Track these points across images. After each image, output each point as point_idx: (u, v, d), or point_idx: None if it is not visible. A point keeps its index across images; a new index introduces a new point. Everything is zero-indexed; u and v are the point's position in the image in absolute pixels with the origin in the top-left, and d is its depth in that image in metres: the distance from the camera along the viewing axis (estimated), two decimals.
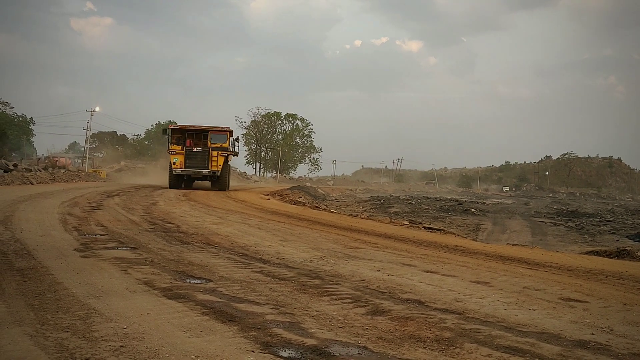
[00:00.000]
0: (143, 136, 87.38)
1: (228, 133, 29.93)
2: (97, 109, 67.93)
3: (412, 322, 5.16)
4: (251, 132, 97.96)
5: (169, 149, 29.42)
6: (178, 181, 29.25)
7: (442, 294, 6.47)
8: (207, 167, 28.91)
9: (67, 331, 4.46)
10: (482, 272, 8.14)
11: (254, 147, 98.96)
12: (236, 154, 31.29)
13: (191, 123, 32.24)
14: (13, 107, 71.40)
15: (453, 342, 4.59)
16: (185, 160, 28.61)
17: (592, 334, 4.98)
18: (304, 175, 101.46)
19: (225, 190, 29.37)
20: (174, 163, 28.72)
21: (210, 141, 29.31)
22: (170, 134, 29.64)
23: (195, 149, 28.79)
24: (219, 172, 29.15)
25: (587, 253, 12.92)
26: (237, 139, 31.98)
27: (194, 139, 29.60)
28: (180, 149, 28.84)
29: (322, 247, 10.05)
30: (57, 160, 54.01)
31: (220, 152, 29.12)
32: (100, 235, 10.48)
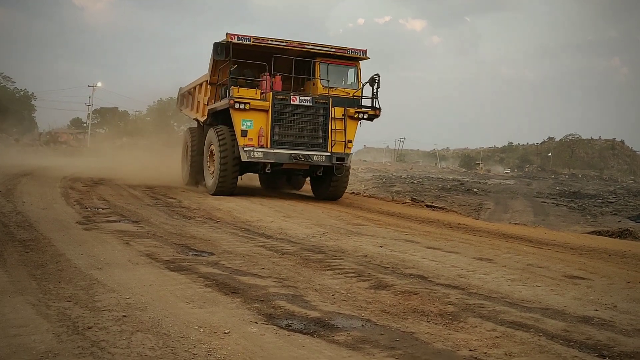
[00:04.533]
0: (145, 112, 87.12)
1: (358, 64, 14.57)
2: (99, 84, 67.83)
3: (415, 297, 5.14)
4: None
5: (229, 95, 13.16)
6: (235, 177, 13.94)
7: (445, 269, 6.45)
8: (324, 146, 13.65)
9: (70, 301, 4.44)
10: (485, 249, 8.11)
11: None
12: (377, 114, 14.18)
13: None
14: (15, 82, 71.22)
15: (457, 316, 4.57)
16: (272, 128, 13.25)
17: (596, 310, 4.96)
18: None
19: (340, 196, 15.13)
20: (244, 134, 13.15)
21: (326, 80, 14.08)
22: (230, 57, 13.23)
23: (299, 100, 13.43)
24: (349, 157, 14.01)
25: (589, 233, 12.91)
26: (374, 80, 13.97)
27: (287, 74, 14.15)
28: (258, 96, 13.35)
29: (325, 223, 10.02)
30: (58, 136, 54.04)
31: (351, 111, 13.87)
32: (103, 208, 10.46)
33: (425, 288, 5.50)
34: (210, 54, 14.24)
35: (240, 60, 13.46)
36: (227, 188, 13.69)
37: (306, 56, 14.10)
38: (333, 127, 13.62)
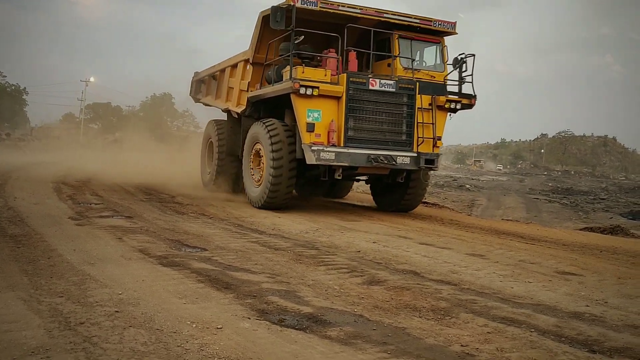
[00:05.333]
0: (138, 108, 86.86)
1: (442, 41, 11.70)
2: (91, 79, 67.59)
3: (408, 292, 5.16)
4: None
5: (291, 77, 10.30)
6: (292, 186, 11.14)
7: (437, 265, 6.47)
8: (408, 145, 10.98)
9: (62, 296, 4.43)
10: (477, 245, 8.15)
11: None
12: (473, 103, 11.53)
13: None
14: (6, 76, 70.89)
15: (449, 312, 4.59)
16: (346, 121, 10.45)
17: (587, 306, 4.99)
18: None
19: (415, 208, 12.57)
20: (311, 128, 10.35)
21: (410, 59, 11.30)
22: (293, 25, 10.21)
23: (379, 84, 10.67)
24: (438, 159, 11.26)
25: (581, 229, 12.98)
26: (461, 61, 11.31)
27: (359, 47, 11.24)
28: (328, 78, 10.52)
29: (318, 219, 10.03)
30: (50, 131, 53.77)
31: (441, 99, 11.14)
32: (96, 204, 10.43)
33: (418, 284, 5.52)
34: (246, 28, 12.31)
35: (305, 30, 10.26)
36: (280, 200, 10.80)
37: (382, 28, 11.06)
38: (420, 120, 10.89)
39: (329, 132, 10.33)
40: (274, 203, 10.79)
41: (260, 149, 11.16)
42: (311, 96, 10.13)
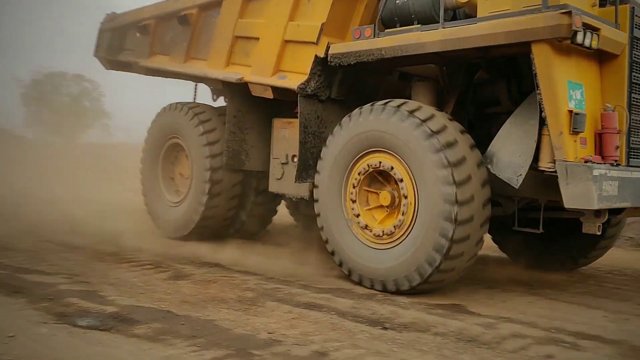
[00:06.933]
0: None
1: None
2: None
3: (214, 285, 5.22)
4: (30, 92, 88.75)
5: (545, 5, 4.30)
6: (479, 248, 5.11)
7: (243, 257, 6.61)
8: None
9: None
10: (280, 237, 8.44)
11: (33, 109, 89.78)
12: None
13: None
14: None
15: (255, 301, 4.73)
16: (629, 109, 4.81)
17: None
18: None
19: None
20: (579, 122, 4.44)
21: None
22: None
23: None
24: None
25: None
26: None
27: None
28: (596, 10, 4.68)
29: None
30: None
31: None
32: None
33: (224, 276, 5.61)
34: None
35: None
36: (456, 275, 5.23)
37: None
38: None
39: (601, 136, 4.82)
40: (443, 282, 5.23)
41: (389, 166, 5.27)
42: (571, 52, 4.70)
